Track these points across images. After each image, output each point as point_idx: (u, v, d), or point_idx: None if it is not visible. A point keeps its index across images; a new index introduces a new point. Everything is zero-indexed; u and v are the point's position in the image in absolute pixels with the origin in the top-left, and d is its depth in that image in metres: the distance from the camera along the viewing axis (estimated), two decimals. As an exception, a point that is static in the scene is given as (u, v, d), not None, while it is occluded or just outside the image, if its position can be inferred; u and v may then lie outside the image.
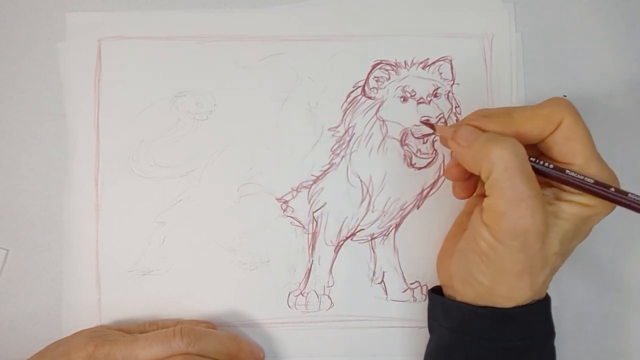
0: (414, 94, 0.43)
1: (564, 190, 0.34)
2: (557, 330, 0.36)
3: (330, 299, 0.42)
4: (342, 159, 0.43)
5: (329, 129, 0.43)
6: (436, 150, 0.43)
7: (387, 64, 0.43)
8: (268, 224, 0.42)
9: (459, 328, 0.35)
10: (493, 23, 0.44)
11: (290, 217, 0.42)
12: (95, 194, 0.42)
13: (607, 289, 0.43)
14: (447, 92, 0.43)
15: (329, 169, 0.43)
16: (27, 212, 0.42)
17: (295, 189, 0.43)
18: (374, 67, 0.43)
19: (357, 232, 0.43)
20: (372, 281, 0.42)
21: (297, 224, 0.42)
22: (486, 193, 0.33)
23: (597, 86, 0.44)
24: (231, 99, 0.43)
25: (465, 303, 0.35)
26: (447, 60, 0.43)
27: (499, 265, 0.33)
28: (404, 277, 0.42)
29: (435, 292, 0.38)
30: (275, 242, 0.42)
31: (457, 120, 0.43)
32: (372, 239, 0.43)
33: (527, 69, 0.44)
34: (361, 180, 0.43)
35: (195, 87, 0.43)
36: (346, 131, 0.43)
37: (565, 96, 0.43)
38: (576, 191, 0.33)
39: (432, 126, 0.40)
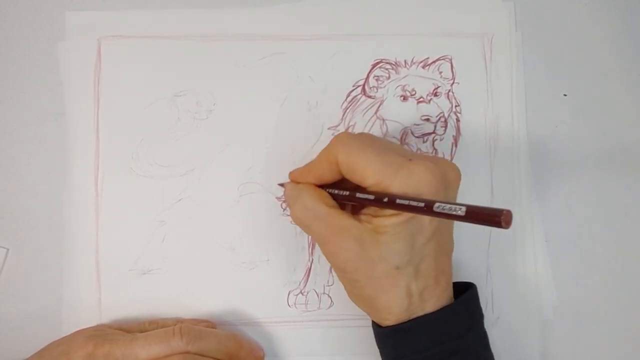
0: (414, 93, 0.42)
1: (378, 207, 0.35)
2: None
3: (330, 297, 0.42)
4: (342, 158, 0.43)
5: (328, 128, 0.43)
6: (436, 150, 0.43)
7: (387, 63, 0.43)
8: (268, 223, 0.42)
9: (382, 351, 0.37)
10: (493, 22, 0.44)
11: (290, 216, 0.42)
12: (95, 193, 0.42)
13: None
14: (447, 91, 0.43)
15: (328, 168, 0.43)
16: (28, 211, 0.42)
17: (295, 188, 0.43)
18: (374, 66, 0.43)
19: (357, 231, 0.43)
20: (372, 280, 0.42)
21: (297, 223, 0.42)
22: None
23: (597, 86, 0.44)
24: (231, 98, 0.43)
25: (378, 326, 0.36)
26: (447, 59, 0.43)
27: (355, 293, 0.36)
28: (403, 276, 0.42)
29: None
30: (275, 241, 0.42)
31: (457, 120, 0.43)
32: (372, 238, 0.43)
33: (527, 68, 0.44)
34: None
35: (195, 86, 0.43)
36: (346, 130, 0.43)
37: (565, 95, 0.44)
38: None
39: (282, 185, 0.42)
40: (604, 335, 0.43)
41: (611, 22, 0.44)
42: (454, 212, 0.28)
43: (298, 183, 0.38)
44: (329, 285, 0.42)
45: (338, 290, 0.42)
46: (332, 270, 0.42)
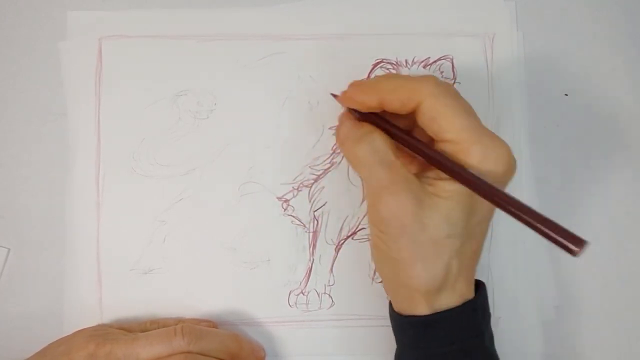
0: (415, 92, 0.42)
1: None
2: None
3: (331, 297, 0.42)
4: (343, 158, 0.43)
5: (329, 128, 0.43)
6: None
7: (388, 62, 0.43)
8: (269, 222, 0.42)
9: (399, 339, 0.36)
10: (494, 22, 0.43)
11: (291, 216, 0.42)
12: (96, 193, 0.42)
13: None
14: (448, 90, 0.43)
15: (329, 167, 0.43)
16: (29, 211, 0.42)
17: (296, 188, 0.43)
18: (375, 66, 0.43)
19: (358, 230, 0.43)
20: (373, 280, 0.42)
21: (298, 222, 0.42)
22: None
23: (598, 85, 0.44)
24: (232, 98, 0.43)
25: (397, 314, 0.35)
26: (449, 59, 0.43)
27: (390, 254, 0.33)
28: (404, 276, 0.42)
29: None
30: (276, 241, 0.42)
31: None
32: (373, 238, 0.43)
33: (529, 68, 0.44)
34: (362, 179, 0.43)
35: (196, 86, 0.43)
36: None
37: (566, 95, 0.44)
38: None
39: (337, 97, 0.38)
40: (606, 336, 0.43)
41: (612, 22, 0.44)
42: (541, 227, 0.28)
43: (361, 123, 0.35)
44: (329, 285, 0.42)
45: (339, 290, 0.42)
46: (333, 270, 0.42)
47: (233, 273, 0.42)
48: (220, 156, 0.43)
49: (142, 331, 0.39)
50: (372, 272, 0.42)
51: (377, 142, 0.34)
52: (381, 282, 0.42)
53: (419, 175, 0.34)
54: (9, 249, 0.42)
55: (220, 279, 0.42)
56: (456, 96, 0.33)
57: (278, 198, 0.43)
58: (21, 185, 0.42)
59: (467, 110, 0.33)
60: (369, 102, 0.34)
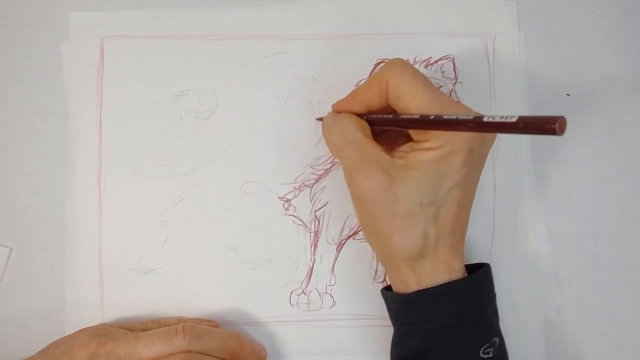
0: (416, 92, 0.42)
1: (416, 141, 0.35)
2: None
3: (332, 297, 0.42)
4: (344, 157, 0.43)
5: (331, 128, 0.43)
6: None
7: (389, 62, 0.43)
8: (270, 222, 0.42)
9: (399, 319, 0.37)
10: (496, 22, 0.43)
11: (292, 215, 0.43)
12: (97, 193, 0.42)
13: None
14: (449, 90, 0.43)
15: (331, 167, 0.43)
16: (30, 210, 0.42)
17: (297, 187, 0.43)
18: (376, 65, 0.43)
19: (359, 230, 0.43)
20: (374, 280, 0.42)
21: (299, 222, 0.43)
22: None
23: (600, 85, 0.44)
24: (233, 98, 0.43)
25: (398, 293, 0.36)
26: (450, 59, 0.43)
27: (372, 228, 0.35)
28: (405, 275, 0.42)
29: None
30: (277, 240, 0.42)
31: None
32: (374, 238, 0.43)
33: (530, 68, 0.43)
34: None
35: (197, 86, 0.43)
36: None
37: (568, 95, 0.44)
38: (423, 138, 0.34)
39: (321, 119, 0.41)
40: (606, 335, 0.43)
41: (614, 21, 0.44)
42: (506, 121, 0.28)
43: (339, 113, 0.38)
44: (331, 285, 0.42)
45: (340, 290, 0.42)
46: (334, 270, 0.42)
47: (234, 273, 0.42)
48: (222, 156, 0.43)
49: (144, 330, 0.39)
50: (374, 272, 0.42)
51: (345, 125, 0.36)
52: (382, 282, 0.42)
53: (394, 150, 0.36)
54: (11, 249, 0.42)
55: (221, 278, 0.42)
56: (417, 73, 0.35)
57: (279, 198, 0.43)
58: (23, 184, 0.42)
59: (429, 85, 0.35)
60: (355, 108, 0.37)
